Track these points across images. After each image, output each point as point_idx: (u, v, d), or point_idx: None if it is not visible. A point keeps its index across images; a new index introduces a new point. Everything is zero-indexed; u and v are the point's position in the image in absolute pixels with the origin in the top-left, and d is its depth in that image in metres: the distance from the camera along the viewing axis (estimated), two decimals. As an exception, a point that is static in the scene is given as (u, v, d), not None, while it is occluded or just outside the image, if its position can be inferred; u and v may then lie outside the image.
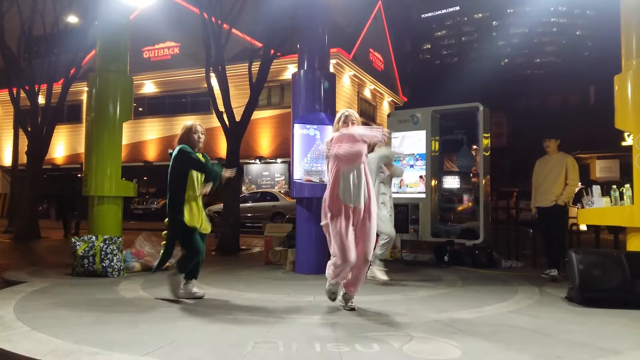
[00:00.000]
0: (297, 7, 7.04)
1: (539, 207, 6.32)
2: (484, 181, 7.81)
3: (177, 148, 4.56)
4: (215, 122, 10.37)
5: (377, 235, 5.30)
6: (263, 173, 23.35)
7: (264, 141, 23.07)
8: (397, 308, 4.28)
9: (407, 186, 8.24)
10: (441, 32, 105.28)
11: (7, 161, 25.62)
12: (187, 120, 4.91)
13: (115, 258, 5.96)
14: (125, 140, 7.15)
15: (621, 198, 5.38)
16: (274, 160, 23.00)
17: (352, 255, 3.93)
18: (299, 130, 6.43)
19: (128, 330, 3.46)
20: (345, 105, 23.52)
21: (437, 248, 7.65)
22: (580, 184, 6.69)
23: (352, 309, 4.14)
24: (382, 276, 5.54)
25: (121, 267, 6.04)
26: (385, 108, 29.17)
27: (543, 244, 6.58)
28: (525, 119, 31.91)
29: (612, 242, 7.34)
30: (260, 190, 21.00)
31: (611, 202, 5.45)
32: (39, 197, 13.39)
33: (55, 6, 12.43)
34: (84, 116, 17.77)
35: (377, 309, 4.26)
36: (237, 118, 9.67)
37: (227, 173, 4.66)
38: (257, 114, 18.03)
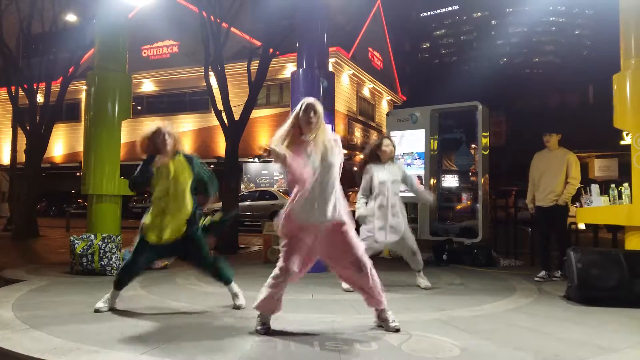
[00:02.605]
0: (296, 6, 7.04)
1: (539, 206, 6.13)
2: (482, 180, 7.82)
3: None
4: (214, 121, 10.38)
5: None
6: (262, 172, 23.33)
7: (263, 140, 22.92)
8: (396, 306, 4.27)
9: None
10: (440, 31, 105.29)
11: (6, 160, 25.59)
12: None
13: (113, 256, 5.96)
14: (124, 138, 7.14)
15: (620, 197, 5.38)
16: (273, 159, 22.95)
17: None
18: (298, 129, 6.42)
19: (127, 329, 3.45)
20: (344, 104, 23.54)
21: (435, 247, 7.65)
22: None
23: (397, 330, 3.42)
24: None
25: (120, 266, 6.03)
26: (384, 107, 29.16)
27: (540, 244, 6.34)
28: (524, 118, 31.93)
29: (611, 241, 7.35)
30: (259, 189, 21.01)
31: (610, 201, 5.46)
32: (38, 195, 13.39)
33: (54, 4, 12.42)
34: (82, 115, 17.74)
35: (375, 307, 4.26)
36: (236, 117, 9.67)
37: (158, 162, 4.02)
38: (255, 113, 17.97)
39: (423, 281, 5.32)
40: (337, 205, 3.37)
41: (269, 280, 3.39)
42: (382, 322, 3.51)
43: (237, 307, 4.13)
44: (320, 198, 3.29)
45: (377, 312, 3.55)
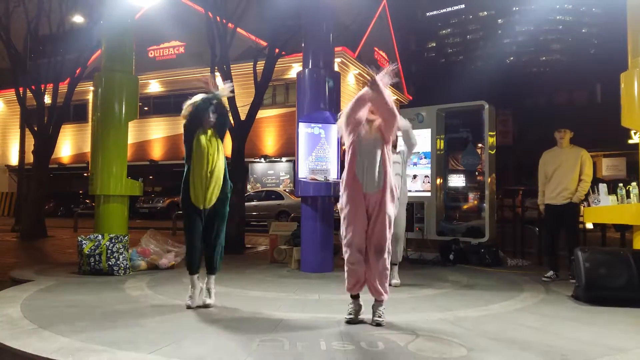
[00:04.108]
0: (302, 6, 7.04)
1: (549, 204, 5.99)
2: (489, 179, 7.79)
3: None
4: (220, 121, 10.35)
5: None
6: (268, 172, 23.38)
7: (269, 140, 23.09)
8: (403, 306, 4.27)
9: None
10: (446, 30, 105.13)
11: (14, 160, 25.80)
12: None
13: (121, 256, 5.99)
14: (131, 139, 7.18)
15: (628, 196, 5.34)
16: (278, 159, 23.02)
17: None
18: (303, 129, 6.44)
19: (134, 329, 3.47)
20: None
21: (442, 246, 7.62)
22: None
23: (378, 324, 3.58)
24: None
25: (127, 266, 6.06)
26: (390, 106, 29.07)
27: (549, 243, 6.20)
28: (531, 117, 31.77)
29: (619, 240, 7.31)
30: (265, 189, 21.05)
31: (618, 200, 5.42)
32: (46, 196, 13.47)
33: (61, 6, 12.48)
34: (89, 116, 17.83)
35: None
36: (242, 117, 9.68)
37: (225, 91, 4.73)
38: (262, 113, 17.94)
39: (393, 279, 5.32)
40: (381, 180, 3.62)
41: (345, 265, 3.68)
42: (372, 314, 3.69)
43: (205, 306, 4.16)
44: (368, 171, 3.60)
45: (374, 303, 3.72)
